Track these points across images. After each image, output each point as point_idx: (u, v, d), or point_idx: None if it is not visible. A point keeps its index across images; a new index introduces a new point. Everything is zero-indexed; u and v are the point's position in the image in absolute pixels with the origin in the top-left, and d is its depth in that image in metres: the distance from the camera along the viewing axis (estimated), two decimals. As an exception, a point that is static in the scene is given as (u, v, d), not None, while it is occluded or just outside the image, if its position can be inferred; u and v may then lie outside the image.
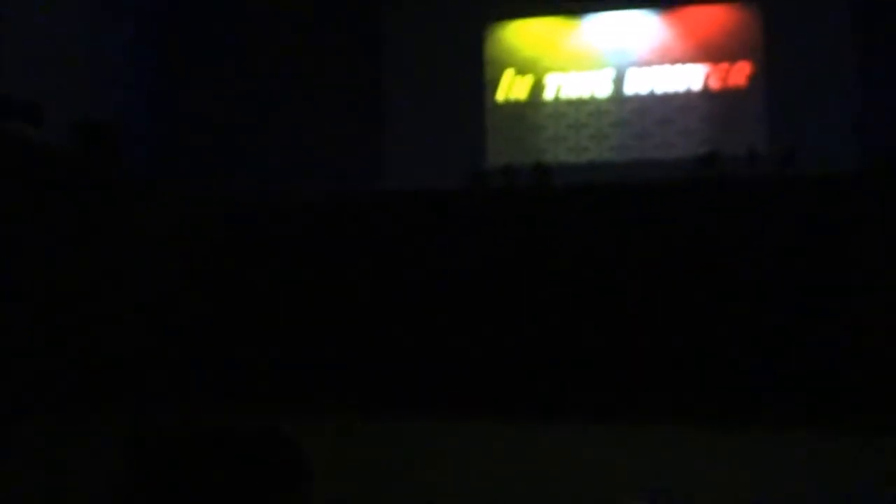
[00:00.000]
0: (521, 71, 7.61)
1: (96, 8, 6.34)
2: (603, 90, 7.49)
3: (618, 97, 7.46)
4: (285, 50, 7.39)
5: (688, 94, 7.33)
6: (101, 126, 5.49)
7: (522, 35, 7.63)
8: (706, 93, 7.31)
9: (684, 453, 3.17)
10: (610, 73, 7.48)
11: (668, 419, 3.72)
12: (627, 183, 5.84)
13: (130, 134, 5.92)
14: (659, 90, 7.39)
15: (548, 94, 7.58)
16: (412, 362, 4.19)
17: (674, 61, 7.38)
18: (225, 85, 7.37)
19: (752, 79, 7.24)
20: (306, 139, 7.28)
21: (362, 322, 4.33)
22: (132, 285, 4.28)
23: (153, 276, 4.38)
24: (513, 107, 7.62)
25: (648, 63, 7.42)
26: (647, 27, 7.45)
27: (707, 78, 7.32)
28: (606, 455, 3.19)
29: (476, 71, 7.60)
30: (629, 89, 7.44)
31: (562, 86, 7.56)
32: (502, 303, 4.31)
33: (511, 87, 7.64)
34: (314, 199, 4.94)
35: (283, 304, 4.46)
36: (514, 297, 4.32)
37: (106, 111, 5.90)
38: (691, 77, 7.34)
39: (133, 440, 2.00)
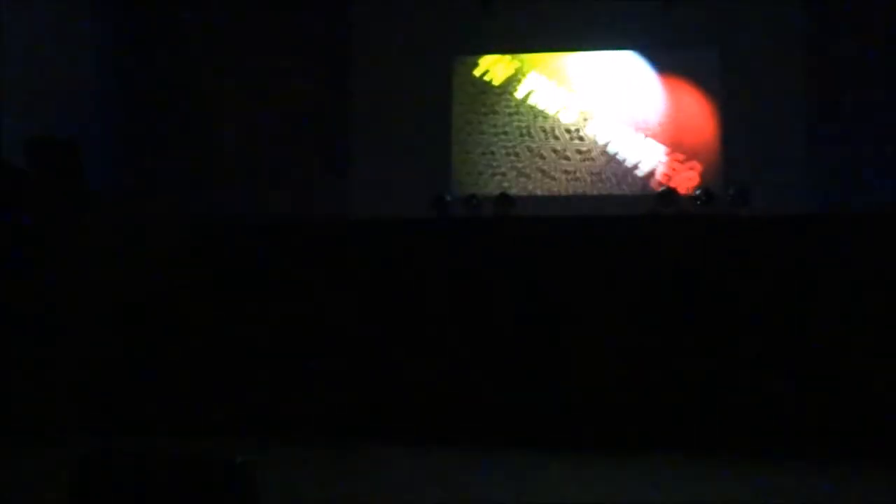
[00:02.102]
0: (488, 103, 7.73)
1: (56, 22, 6.25)
2: (567, 125, 7.65)
3: (581, 133, 7.62)
4: (252, 73, 7.39)
5: (647, 132, 7.54)
6: (60, 143, 5.38)
7: (490, 69, 7.77)
8: (664, 132, 7.53)
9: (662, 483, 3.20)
10: (574, 110, 7.65)
11: (631, 450, 3.75)
12: (588, 216, 5.96)
13: (92, 152, 5.82)
14: (620, 127, 7.58)
15: (513, 127, 7.71)
16: (372, 390, 4.16)
17: (635, 99, 7.59)
18: (189, 107, 7.32)
19: (709, 119, 7.48)
20: (271, 164, 7.25)
21: (322, 349, 4.29)
22: (87, 304, 4.17)
23: (109, 296, 4.29)
24: (479, 138, 7.73)
25: (611, 100, 7.61)
26: (610, 67, 7.66)
27: (665, 118, 7.54)
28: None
29: (443, 102, 7.69)
30: (592, 125, 7.62)
31: (527, 119, 7.70)
32: (465, 332, 4.32)
33: (478, 119, 7.75)
34: (277, 223, 4.92)
35: (242, 330, 4.40)
36: (476, 326, 4.34)
37: (66, 128, 5.79)
38: (651, 116, 7.55)
39: (77, 466, 1.94)
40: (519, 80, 7.76)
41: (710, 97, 7.47)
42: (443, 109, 7.70)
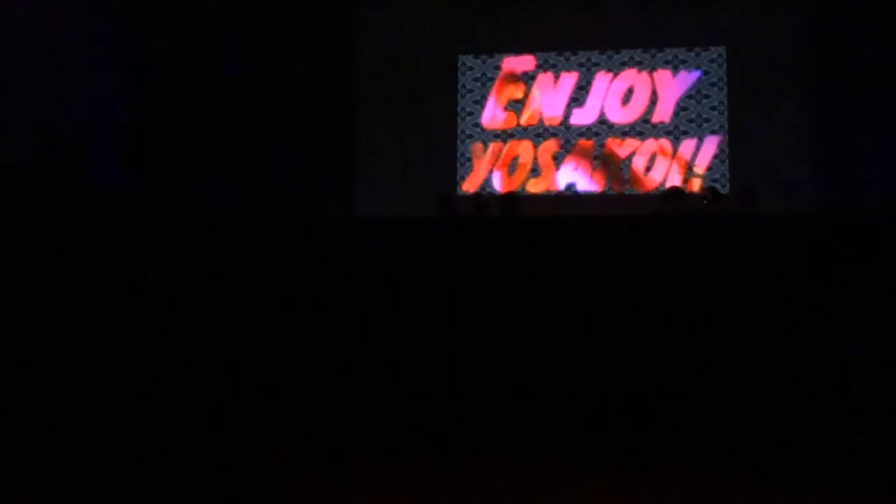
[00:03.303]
0: (492, 102, 7.72)
1: (66, 20, 6.25)
2: (573, 124, 7.64)
3: (587, 132, 7.61)
4: (257, 73, 7.39)
5: (652, 131, 7.51)
6: (66, 141, 5.39)
7: (496, 68, 7.76)
8: (670, 130, 7.50)
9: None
10: (580, 109, 7.63)
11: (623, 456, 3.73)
12: (593, 216, 5.95)
13: (99, 150, 5.83)
14: (626, 126, 7.56)
15: (519, 126, 7.70)
16: (374, 393, 4.14)
17: (641, 99, 7.56)
18: (196, 107, 7.32)
19: (715, 117, 7.45)
20: (278, 164, 7.25)
21: (329, 352, 4.28)
22: (89, 304, 4.17)
23: (116, 294, 4.28)
24: (485, 136, 7.72)
25: (617, 100, 7.59)
26: (617, 65, 7.64)
27: (671, 116, 7.52)
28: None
29: (450, 101, 7.68)
30: (598, 124, 7.60)
31: (532, 119, 7.68)
32: (471, 333, 4.31)
33: (484, 118, 7.74)
34: (284, 223, 4.90)
35: (246, 330, 4.39)
36: (482, 328, 4.32)
37: (73, 126, 5.79)
38: (657, 115, 7.53)
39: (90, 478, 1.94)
40: (524, 79, 7.74)
41: (717, 95, 7.44)
42: (448, 108, 7.69)
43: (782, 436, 3.72)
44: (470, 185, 7.52)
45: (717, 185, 6.98)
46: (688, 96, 7.45)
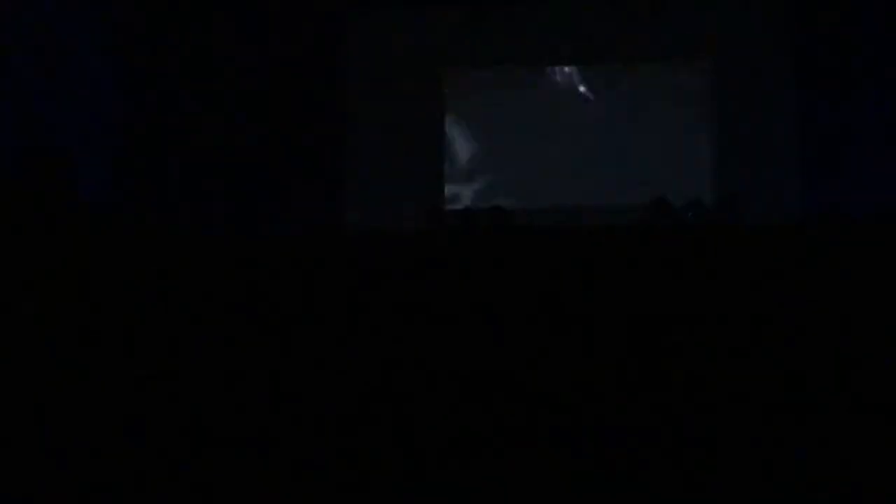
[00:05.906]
0: (479, 115, 7.76)
1: (53, 29, 6.20)
2: (557, 136, 7.69)
3: (571, 143, 7.66)
4: (246, 87, 7.39)
5: (637, 142, 7.58)
6: (51, 151, 5.33)
7: (481, 82, 7.80)
8: (655, 141, 7.57)
9: None
10: (564, 120, 7.69)
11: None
12: (582, 227, 5.98)
13: (86, 164, 5.78)
14: (610, 137, 7.62)
15: (505, 139, 7.74)
16: (365, 414, 4.12)
17: (626, 110, 7.63)
18: (182, 121, 7.30)
19: (699, 127, 7.53)
20: (263, 177, 7.24)
21: (316, 373, 4.26)
22: (78, 322, 4.12)
23: (105, 318, 4.24)
24: (471, 150, 7.74)
25: (601, 110, 7.66)
26: (600, 79, 7.72)
27: (655, 126, 7.59)
28: None
29: (436, 114, 7.70)
30: (582, 135, 7.65)
31: (518, 131, 7.73)
32: (462, 347, 4.30)
33: (469, 131, 7.77)
34: (271, 241, 4.88)
35: (238, 350, 4.36)
36: (473, 341, 4.32)
37: (59, 139, 5.74)
38: (641, 125, 7.60)
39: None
40: (510, 93, 7.79)
41: (701, 106, 7.53)
42: (435, 121, 7.72)
43: (774, 443, 3.73)
44: (457, 199, 7.53)
45: (703, 196, 7.03)
46: (672, 106, 7.52)
